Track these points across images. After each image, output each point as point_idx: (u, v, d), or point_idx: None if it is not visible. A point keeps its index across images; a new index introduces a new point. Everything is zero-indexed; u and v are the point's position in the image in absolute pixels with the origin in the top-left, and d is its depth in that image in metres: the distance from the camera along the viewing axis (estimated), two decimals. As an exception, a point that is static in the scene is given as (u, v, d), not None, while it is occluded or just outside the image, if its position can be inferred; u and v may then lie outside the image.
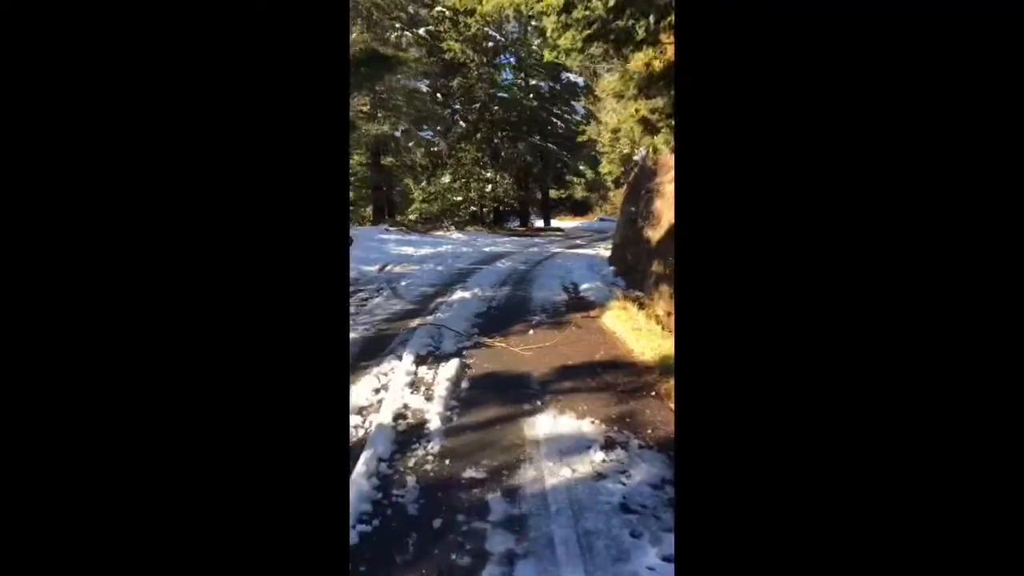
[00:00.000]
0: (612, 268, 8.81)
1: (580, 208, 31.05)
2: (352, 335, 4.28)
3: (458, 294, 6.08)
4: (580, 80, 19.70)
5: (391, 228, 13.85)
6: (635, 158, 9.04)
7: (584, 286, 6.90)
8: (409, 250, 10.77)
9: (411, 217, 17.74)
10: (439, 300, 5.88)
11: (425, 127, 14.21)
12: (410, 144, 15.30)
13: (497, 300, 6.00)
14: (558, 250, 12.96)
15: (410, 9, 13.27)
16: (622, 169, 10.29)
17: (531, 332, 4.50)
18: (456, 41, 16.96)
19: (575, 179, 23.36)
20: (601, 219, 28.20)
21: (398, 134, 12.85)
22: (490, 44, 17.04)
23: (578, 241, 16.07)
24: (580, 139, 21.58)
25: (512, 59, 18.44)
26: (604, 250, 13.39)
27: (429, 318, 4.93)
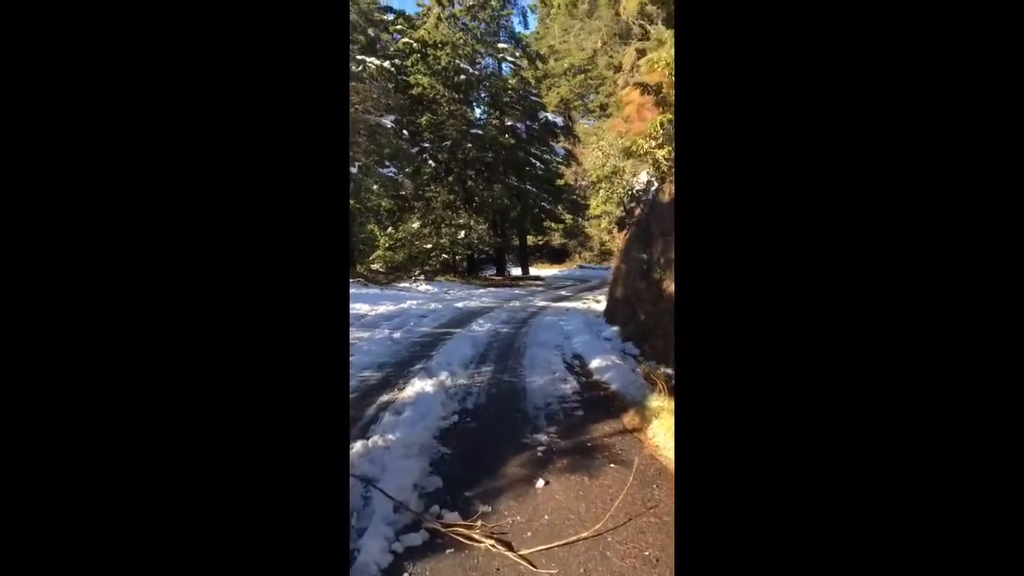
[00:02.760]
0: (616, 329, 6.91)
1: (558, 255, 29.61)
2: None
3: (415, 386, 4.00)
4: (559, 120, 18.48)
5: (346, 280, 11.76)
6: (648, 191, 7.32)
7: (595, 363, 4.92)
8: (363, 308, 8.68)
9: (374, 266, 15.70)
10: (382, 400, 3.79)
11: (388, 164, 12.40)
12: (374, 186, 13.45)
13: (474, 397, 3.93)
14: (543, 303, 11.06)
15: (370, 32, 11.72)
16: (621, 209, 8.58)
17: (540, 484, 2.45)
18: (425, 75, 15.53)
19: (553, 225, 21.85)
20: (581, 267, 26.77)
21: (354, 171, 10.97)
22: (462, 77, 15.63)
23: (563, 292, 14.25)
24: (560, 183, 20.28)
25: (486, 95, 17.08)
26: (595, 303, 11.66)
27: (354, 448, 2.82)
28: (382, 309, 8.77)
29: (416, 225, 16.00)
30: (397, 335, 6.40)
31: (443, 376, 4.28)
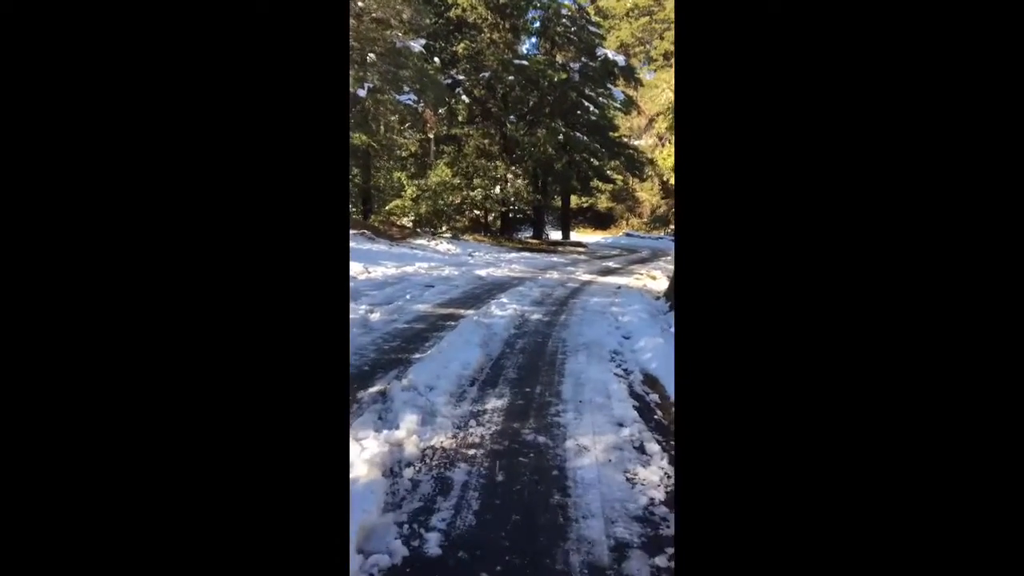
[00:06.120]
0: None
1: (603, 220, 26.93)
2: None
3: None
4: (620, 59, 15.63)
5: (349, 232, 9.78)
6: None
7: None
8: (354, 269, 6.67)
9: (394, 216, 13.68)
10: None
11: (406, 89, 10.13)
12: (393, 120, 11.24)
13: (451, 505, 1.78)
14: (587, 277, 8.84)
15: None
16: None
17: None
18: (465, -8, 12.96)
19: (601, 185, 19.21)
20: (628, 234, 24.11)
21: (362, 93, 8.77)
22: (508, -4, 12.98)
23: (609, 263, 11.95)
24: (614, 135, 17.49)
25: (535, 22, 14.39)
26: (649, 278, 9.44)
27: None
28: (378, 272, 6.73)
29: (449, 174, 13.75)
30: (376, 315, 4.34)
31: (403, 430, 2.17)
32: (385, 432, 2.12)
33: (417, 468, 1.96)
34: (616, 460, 2.12)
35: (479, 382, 3.01)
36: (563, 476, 1.98)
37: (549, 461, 2.09)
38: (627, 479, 1.98)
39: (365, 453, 1.91)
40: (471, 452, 2.12)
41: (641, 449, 2.24)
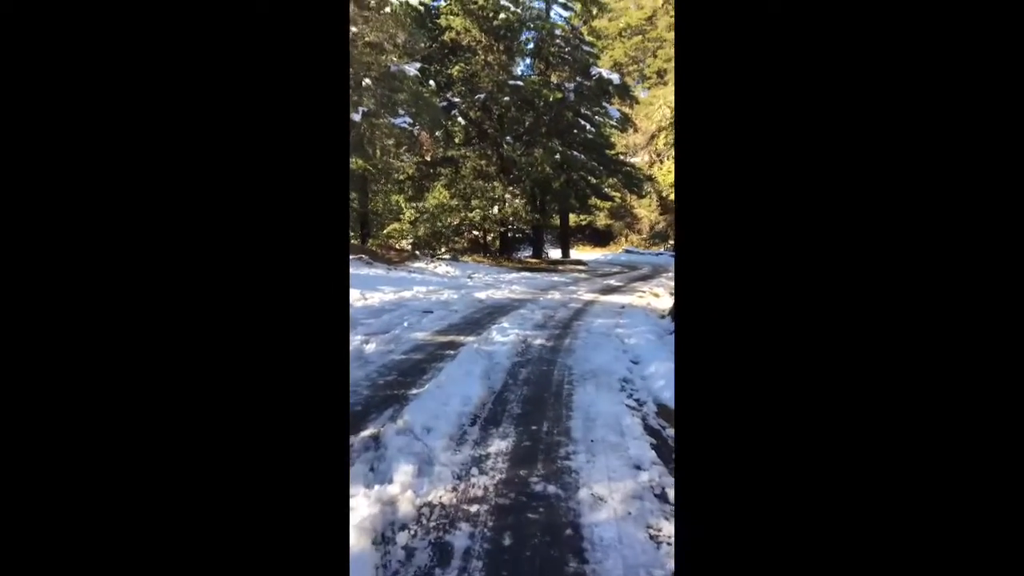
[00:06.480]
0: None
1: (601, 237, 26.83)
2: None
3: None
4: (615, 77, 15.66)
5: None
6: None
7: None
8: (350, 297, 6.47)
9: (392, 239, 13.53)
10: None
11: (401, 112, 10.05)
12: (389, 143, 11.15)
13: None
14: (589, 297, 8.62)
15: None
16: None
17: None
18: (458, 16, 13.03)
19: (600, 202, 19.12)
20: (627, 251, 23.95)
21: (357, 117, 8.68)
22: (502, 17, 13.02)
23: (611, 281, 11.74)
24: (611, 153, 17.46)
25: (529, 43, 14.44)
26: (652, 296, 9.23)
27: None
28: (375, 298, 6.53)
29: (446, 196, 13.64)
30: (371, 347, 4.12)
31: (397, 484, 1.94)
32: (377, 488, 1.90)
33: (412, 532, 1.73)
34: (636, 513, 1.89)
35: (481, 420, 2.78)
36: (578, 536, 1.74)
37: (562, 517, 1.86)
38: (651, 536, 1.75)
39: (354, 516, 1.68)
40: (473, 509, 1.89)
41: (663, 497, 2.01)
